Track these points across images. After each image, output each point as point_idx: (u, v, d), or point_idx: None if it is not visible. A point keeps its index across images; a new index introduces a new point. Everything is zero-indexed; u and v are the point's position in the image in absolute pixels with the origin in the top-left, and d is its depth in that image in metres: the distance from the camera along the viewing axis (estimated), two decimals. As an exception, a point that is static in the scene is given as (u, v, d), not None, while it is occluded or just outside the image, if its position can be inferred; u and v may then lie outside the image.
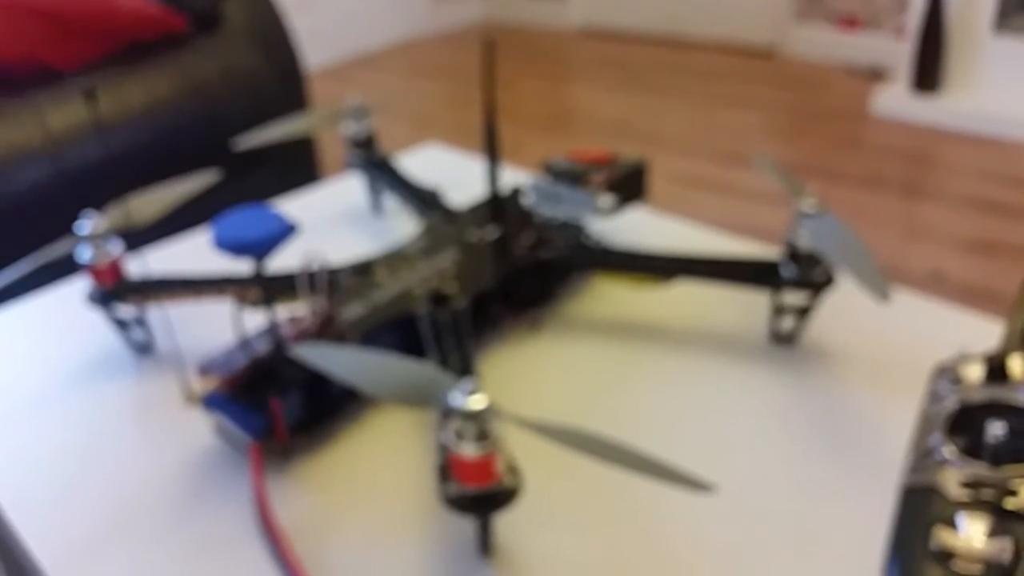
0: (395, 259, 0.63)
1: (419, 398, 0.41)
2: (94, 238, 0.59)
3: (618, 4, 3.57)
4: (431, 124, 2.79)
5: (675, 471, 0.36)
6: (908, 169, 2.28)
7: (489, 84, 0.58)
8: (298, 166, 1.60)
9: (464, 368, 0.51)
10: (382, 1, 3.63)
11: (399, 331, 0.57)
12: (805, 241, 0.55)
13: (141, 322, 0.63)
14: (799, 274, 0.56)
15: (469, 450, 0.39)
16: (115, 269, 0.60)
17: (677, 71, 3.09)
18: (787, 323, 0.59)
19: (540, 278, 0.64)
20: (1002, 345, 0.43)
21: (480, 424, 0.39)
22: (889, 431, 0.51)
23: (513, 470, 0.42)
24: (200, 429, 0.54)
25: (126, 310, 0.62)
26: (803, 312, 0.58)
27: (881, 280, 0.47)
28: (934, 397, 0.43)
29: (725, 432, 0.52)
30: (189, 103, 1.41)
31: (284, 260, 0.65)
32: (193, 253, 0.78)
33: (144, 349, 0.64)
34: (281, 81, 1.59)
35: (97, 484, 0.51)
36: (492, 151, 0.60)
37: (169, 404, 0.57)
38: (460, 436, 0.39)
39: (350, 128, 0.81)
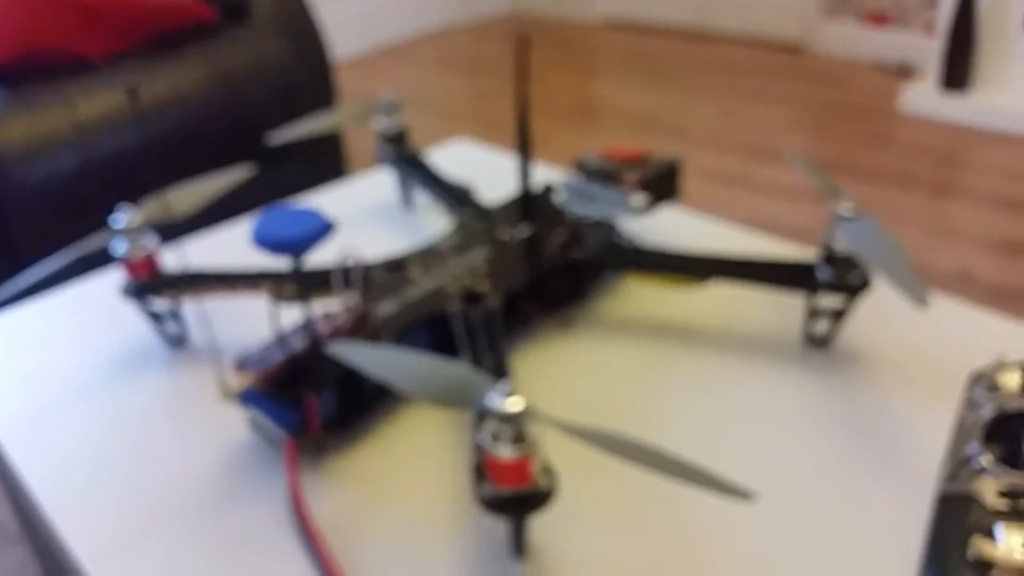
0: (428, 256, 0.63)
1: (455, 399, 0.41)
2: (129, 232, 0.59)
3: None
4: (460, 117, 2.79)
5: (714, 478, 0.36)
6: (936, 167, 2.26)
7: (522, 80, 0.58)
8: (326, 160, 1.61)
9: (498, 368, 0.51)
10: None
11: (432, 329, 0.57)
12: (842, 244, 0.55)
13: (176, 316, 0.63)
14: (835, 277, 0.55)
15: (505, 452, 0.39)
16: (150, 263, 0.60)
17: (704, 65, 3.07)
18: (822, 326, 0.58)
19: (572, 277, 0.64)
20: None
21: (517, 426, 0.39)
22: (925, 438, 0.50)
23: (548, 472, 0.42)
24: (235, 424, 0.55)
25: (160, 304, 0.62)
26: (838, 315, 0.57)
27: (920, 285, 0.47)
28: (971, 405, 0.42)
29: (759, 436, 0.52)
30: (218, 94, 1.41)
31: (319, 256, 0.66)
32: (228, 247, 0.78)
33: (178, 343, 0.64)
34: (309, 72, 1.59)
35: (132, 479, 0.51)
36: (524, 149, 0.60)
37: (204, 399, 0.58)
38: (496, 438, 0.39)
39: (381, 123, 0.81)
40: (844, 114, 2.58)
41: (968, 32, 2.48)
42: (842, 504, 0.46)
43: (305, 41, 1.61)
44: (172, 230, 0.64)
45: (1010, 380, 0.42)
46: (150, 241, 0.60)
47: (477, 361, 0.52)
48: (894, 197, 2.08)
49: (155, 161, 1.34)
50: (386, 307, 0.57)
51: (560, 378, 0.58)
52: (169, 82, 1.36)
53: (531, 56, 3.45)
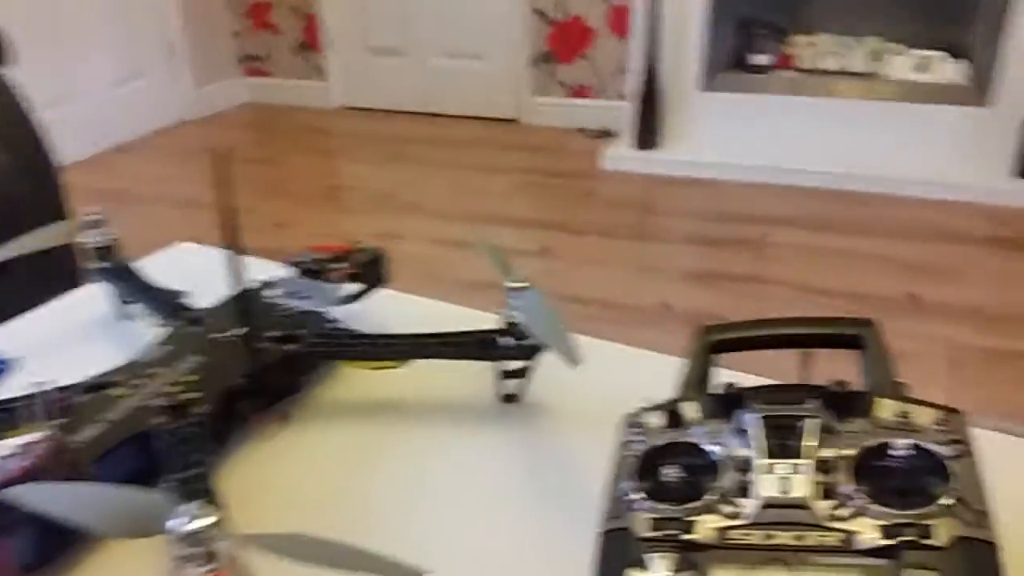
0: (133, 370, 0.59)
1: (142, 529, 0.38)
2: None
3: (376, 85, 3.61)
4: (199, 207, 2.68)
5: (388, 562, 0.36)
6: (636, 216, 2.46)
7: (224, 191, 0.56)
8: (56, 270, 1.47)
9: (197, 483, 0.49)
10: (146, 88, 3.45)
11: (139, 449, 0.53)
12: (517, 315, 0.58)
13: None
14: (514, 344, 0.58)
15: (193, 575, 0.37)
16: None
17: (434, 143, 3.17)
18: (511, 386, 0.61)
19: (287, 371, 0.63)
20: (678, 393, 0.47)
21: (205, 546, 0.37)
22: (599, 476, 0.54)
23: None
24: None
25: None
26: (523, 374, 0.60)
27: (572, 348, 0.50)
28: (624, 445, 0.45)
29: (462, 490, 0.53)
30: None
31: (18, 385, 0.60)
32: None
33: None
34: (30, 177, 1.46)
35: None
36: (234, 250, 0.58)
37: None
38: (184, 560, 0.37)
39: (89, 237, 0.76)
40: (557, 177, 2.76)
41: (653, 96, 2.74)
42: (531, 542, 0.48)
43: (24, 147, 1.48)
44: None
45: (654, 419, 0.46)
46: None
47: (184, 477, 0.49)
48: (603, 244, 2.24)
49: None
50: (86, 432, 0.52)
51: (280, 473, 0.56)
52: None
53: (267, 139, 3.39)
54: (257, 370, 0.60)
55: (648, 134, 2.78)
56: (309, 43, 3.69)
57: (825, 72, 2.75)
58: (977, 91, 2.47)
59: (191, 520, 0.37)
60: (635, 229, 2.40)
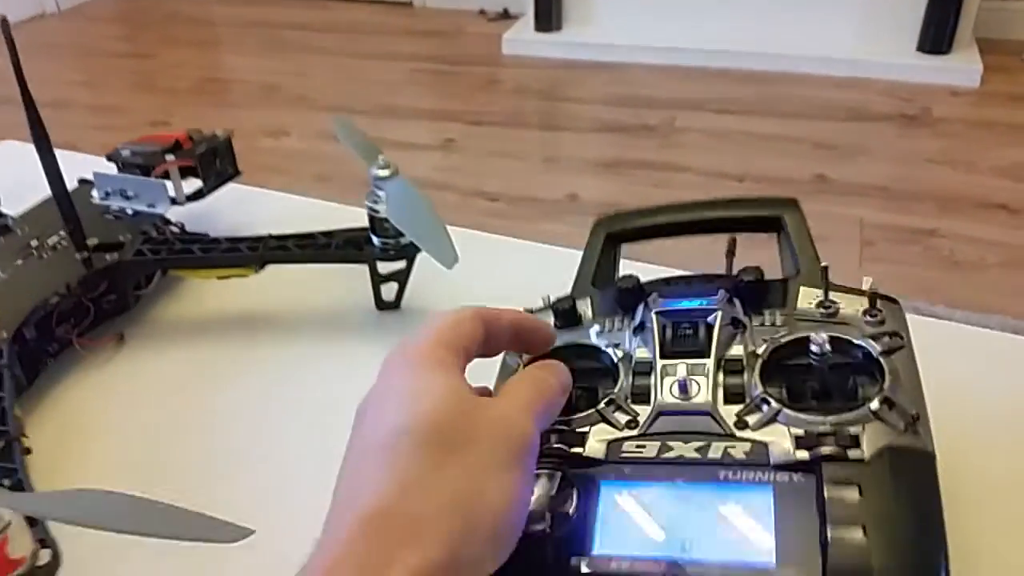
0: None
1: None
2: None
3: (254, -36, 3.33)
4: (65, 107, 2.45)
5: (208, 524, 0.29)
6: (541, 103, 2.37)
7: (19, 72, 0.46)
8: None
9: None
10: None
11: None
12: (382, 208, 0.50)
13: None
14: (386, 246, 0.51)
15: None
16: None
17: (321, 29, 2.96)
18: (387, 290, 0.54)
19: (115, 284, 0.54)
20: (572, 290, 0.41)
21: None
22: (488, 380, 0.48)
23: (47, 543, 0.33)
24: None
25: None
26: (400, 278, 0.53)
27: (445, 245, 0.43)
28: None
29: (330, 418, 0.46)
30: None
31: None
32: None
33: None
34: None
35: None
36: (42, 145, 0.48)
37: None
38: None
39: None
40: (455, 63, 2.62)
41: (552, -25, 2.60)
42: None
43: None
44: None
45: (547, 319, 0.39)
46: None
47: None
48: (506, 134, 2.15)
49: None
50: None
51: (114, 408, 0.49)
52: None
53: (138, 31, 3.12)
54: (78, 285, 0.51)
55: (549, 15, 2.65)
56: (176, -81, 3.37)
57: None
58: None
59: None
60: (540, 117, 2.31)
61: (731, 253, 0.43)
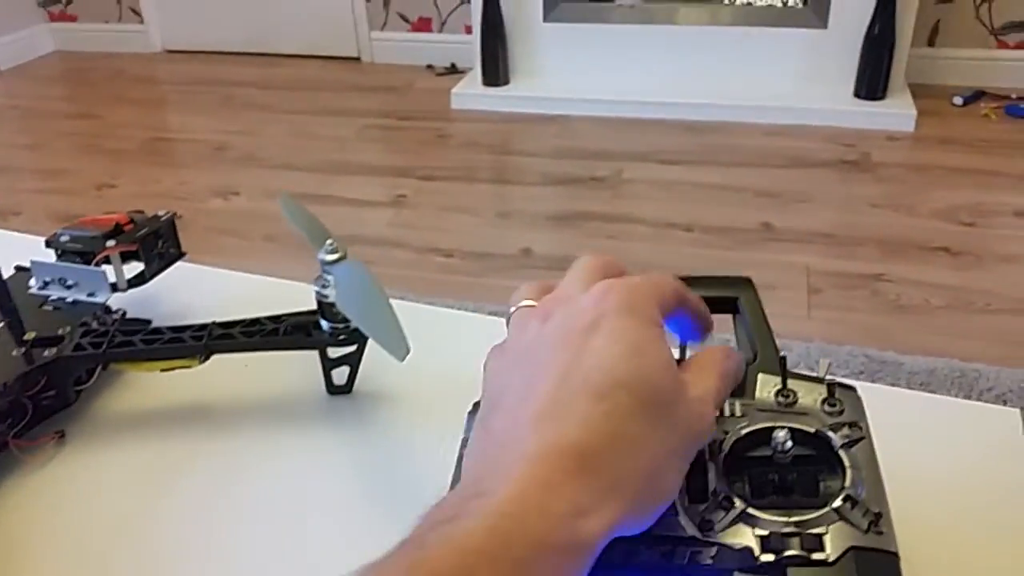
0: None
1: None
2: None
3: (199, 25, 3.33)
4: (12, 171, 2.40)
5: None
6: (491, 157, 2.39)
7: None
8: None
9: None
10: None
11: None
12: (331, 294, 0.49)
13: None
14: (335, 330, 0.50)
15: None
16: None
17: (269, 86, 2.96)
18: (338, 375, 0.53)
19: (55, 379, 0.51)
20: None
21: None
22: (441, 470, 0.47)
23: None
24: None
25: None
26: (352, 361, 0.52)
27: (396, 337, 0.42)
28: (467, 441, 0.38)
29: (284, 508, 0.45)
30: None
31: None
32: None
33: None
34: None
35: None
36: None
37: None
38: None
39: None
40: (405, 118, 2.63)
41: (498, 30, 2.65)
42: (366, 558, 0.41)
43: None
44: None
45: None
46: None
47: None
48: (458, 189, 2.15)
49: None
50: None
51: (58, 508, 0.46)
52: None
53: (82, 91, 3.08)
54: (15, 382, 0.49)
55: (495, 70, 2.69)
56: (119, -20, 3.36)
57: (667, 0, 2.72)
58: (814, 13, 2.52)
59: None
60: (491, 172, 2.32)
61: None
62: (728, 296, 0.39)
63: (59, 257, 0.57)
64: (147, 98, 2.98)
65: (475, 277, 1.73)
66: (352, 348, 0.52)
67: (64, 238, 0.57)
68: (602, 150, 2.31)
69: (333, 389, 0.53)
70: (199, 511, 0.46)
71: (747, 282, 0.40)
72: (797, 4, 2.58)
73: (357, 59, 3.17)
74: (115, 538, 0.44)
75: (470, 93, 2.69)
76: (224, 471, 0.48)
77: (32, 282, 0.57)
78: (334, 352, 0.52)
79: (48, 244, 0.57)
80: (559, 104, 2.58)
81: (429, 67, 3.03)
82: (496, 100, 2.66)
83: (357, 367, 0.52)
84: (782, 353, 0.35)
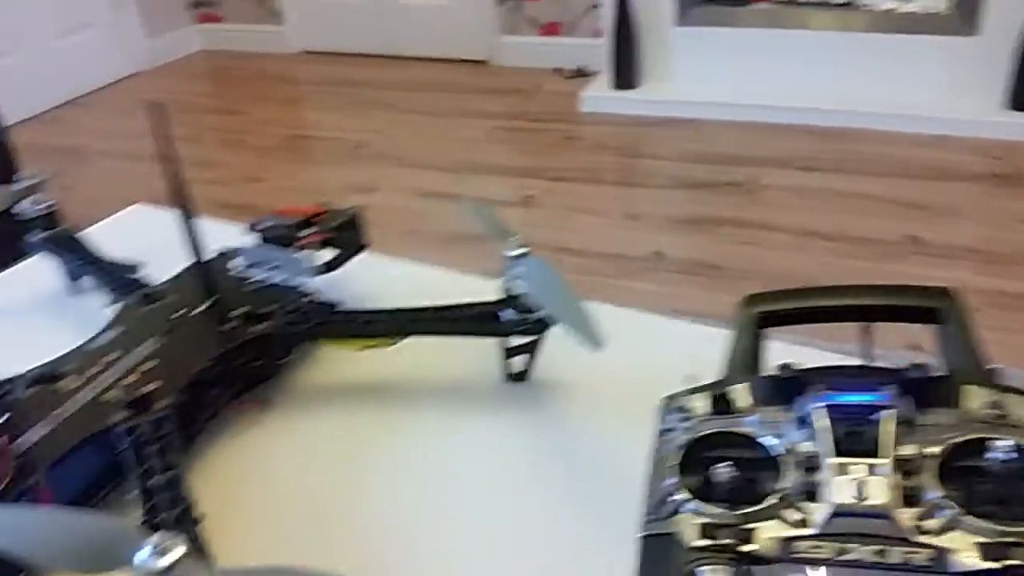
0: (86, 358, 0.53)
1: (101, 562, 0.33)
2: None
3: (336, 28, 3.47)
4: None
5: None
6: (620, 160, 2.39)
7: (169, 150, 0.50)
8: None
9: (171, 493, 0.43)
10: (94, 39, 3.30)
11: (99, 450, 0.47)
12: (520, 285, 0.52)
13: None
14: (519, 320, 0.52)
15: (164, 617, 0.31)
16: None
17: (402, 87, 3.05)
18: (517, 363, 0.56)
19: (261, 352, 0.56)
20: (724, 373, 0.41)
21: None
22: (630, 464, 0.49)
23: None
24: None
25: None
26: (530, 350, 0.55)
27: (593, 328, 0.44)
28: (664, 433, 0.39)
29: (467, 483, 0.48)
30: None
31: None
32: None
33: None
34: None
35: None
36: (187, 216, 0.52)
37: None
38: (152, 602, 0.31)
39: (24, 208, 0.69)
40: (534, 120, 2.67)
41: (629, 34, 2.65)
42: (545, 545, 0.44)
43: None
44: None
45: (699, 404, 0.40)
46: None
47: (149, 483, 0.44)
48: (587, 191, 2.18)
49: None
50: (35, 433, 0.46)
51: (262, 469, 0.51)
52: None
53: (226, 88, 3.27)
54: (227, 353, 0.54)
55: (626, 73, 2.69)
56: (263, -16, 3.54)
57: (802, 3, 2.66)
58: (961, 20, 2.41)
59: (159, 553, 0.31)
60: (620, 174, 2.33)
61: (864, 339, 0.43)
62: (931, 306, 0.40)
63: (264, 242, 0.62)
64: (287, 97, 3.13)
65: (606, 278, 1.74)
66: (531, 338, 0.54)
67: (268, 223, 0.62)
68: (736, 155, 2.28)
69: (511, 377, 0.56)
70: (386, 479, 0.49)
71: (951, 292, 0.40)
72: (940, 11, 2.47)
73: (484, 62, 3.23)
74: (313, 497, 0.48)
75: (600, 96, 2.70)
76: (408, 445, 0.52)
77: (233, 263, 0.63)
78: (514, 341, 0.55)
79: (252, 228, 0.62)
80: (690, 108, 2.56)
81: (557, 70, 3.06)
82: (626, 103, 2.66)
83: (535, 355, 0.55)
84: (992, 366, 0.35)
